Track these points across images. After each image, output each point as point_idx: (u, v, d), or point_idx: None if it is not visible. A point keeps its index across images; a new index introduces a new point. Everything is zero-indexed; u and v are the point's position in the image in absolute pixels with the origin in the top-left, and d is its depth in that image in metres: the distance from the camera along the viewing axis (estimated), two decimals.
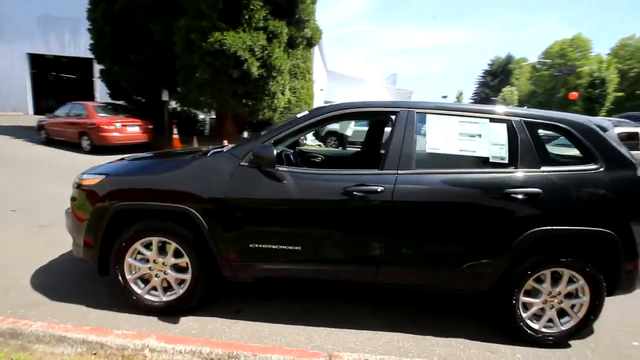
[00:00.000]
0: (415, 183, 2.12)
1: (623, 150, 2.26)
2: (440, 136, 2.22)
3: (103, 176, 2.29)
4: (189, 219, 2.16)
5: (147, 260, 2.29)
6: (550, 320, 2.24)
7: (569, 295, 2.22)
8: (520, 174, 2.15)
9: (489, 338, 2.28)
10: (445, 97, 49.11)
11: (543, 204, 2.09)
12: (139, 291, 2.31)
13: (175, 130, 10.71)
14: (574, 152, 2.46)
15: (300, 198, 2.13)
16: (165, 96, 11.66)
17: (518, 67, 53.69)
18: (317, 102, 16.74)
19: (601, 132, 2.26)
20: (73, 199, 2.46)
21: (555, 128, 2.27)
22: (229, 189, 2.13)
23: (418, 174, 2.14)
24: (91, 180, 2.32)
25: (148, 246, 2.26)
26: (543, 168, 2.16)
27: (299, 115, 2.34)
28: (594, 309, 2.19)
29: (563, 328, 2.24)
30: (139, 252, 2.29)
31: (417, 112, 2.24)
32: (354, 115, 2.40)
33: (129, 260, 2.28)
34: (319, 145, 14.37)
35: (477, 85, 59.26)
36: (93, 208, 2.25)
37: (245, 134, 11.55)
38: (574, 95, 21.13)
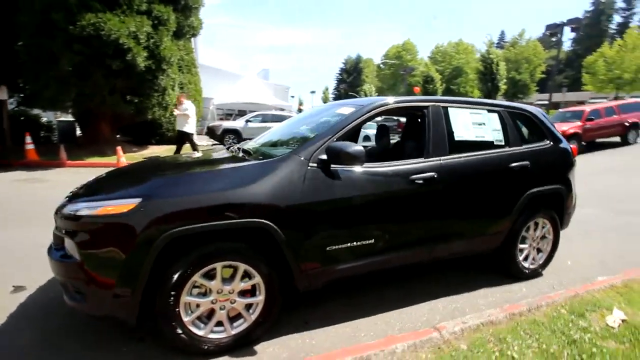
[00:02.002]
0: (454, 167, 2.48)
1: (555, 129, 3.20)
2: (461, 125, 2.64)
3: (138, 200, 1.75)
4: (262, 233, 1.92)
5: (207, 293, 1.91)
6: (533, 258, 3.02)
7: (543, 237, 3.03)
8: (514, 151, 2.79)
9: (501, 282, 2.88)
10: (313, 92, 52.70)
11: (530, 172, 2.78)
12: (200, 333, 1.90)
13: (28, 139, 8.15)
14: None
15: (374, 192, 2.19)
16: (3, 94, 8.64)
17: (366, 67, 62.19)
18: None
19: (545, 118, 3.15)
20: (71, 235, 1.79)
21: (524, 116, 3.02)
22: (303, 194, 1.99)
23: (453, 159, 2.50)
24: (118, 207, 1.73)
25: (208, 276, 1.88)
26: (524, 146, 2.86)
27: (346, 113, 2.34)
28: (555, 244, 3.07)
29: (540, 262, 3.04)
30: (195, 286, 1.88)
31: (441, 106, 2.59)
32: (400, 110, 2.55)
33: (185, 298, 1.84)
34: (217, 144, 13.42)
35: (335, 82, 65.81)
36: (129, 243, 1.71)
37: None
38: (417, 89, 26.27)
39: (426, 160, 2.40)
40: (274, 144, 2.66)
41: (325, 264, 2.11)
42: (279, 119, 14.58)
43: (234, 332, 1.97)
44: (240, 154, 2.43)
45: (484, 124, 2.76)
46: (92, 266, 1.74)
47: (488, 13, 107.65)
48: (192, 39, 13.41)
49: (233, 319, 2.00)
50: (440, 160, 2.43)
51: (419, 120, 2.52)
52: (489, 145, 2.75)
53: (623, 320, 2.23)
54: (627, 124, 11.65)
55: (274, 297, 2.02)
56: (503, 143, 2.79)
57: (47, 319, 2.26)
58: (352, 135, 2.71)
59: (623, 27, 44.38)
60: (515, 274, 2.94)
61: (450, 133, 2.57)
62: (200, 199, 1.80)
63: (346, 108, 2.43)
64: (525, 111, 3.03)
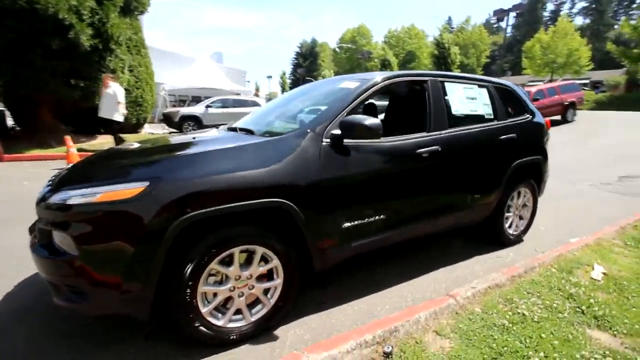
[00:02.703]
0: (454, 140, 2.53)
1: (531, 104, 3.40)
2: (456, 100, 2.70)
3: (145, 183, 1.55)
4: (280, 214, 1.83)
5: (223, 280, 1.79)
6: (517, 225, 3.23)
7: (524, 206, 3.25)
8: (502, 125, 2.92)
9: (490, 250, 3.06)
10: (270, 77, 51.38)
11: (516, 144, 2.94)
12: (219, 323, 1.77)
13: None
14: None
15: (386, 167, 2.17)
16: None
17: (322, 51, 61.77)
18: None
19: (523, 93, 3.33)
20: (63, 227, 1.56)
21: (507, 91, 3.16)
22: (320, 171, 1.91)
23: (453, 132, 2.56)
24: (122, 192, 1.53)
25: (225, 262, 1.76)
26: (509, 120, 3.01)
27: (352, 87, 2.27)
28: (534, 211, 3.31)
29: (522, 228, 3.26)
30: (211, 274, 1.74)
31: (439, 81, 2.61)
32: (402, 83, 2.51)
33: (202, 288, 1.70)
34: (174, 132, 12.60)
35: (292, 67, 64.69)
36: (137, 232, 1.52)
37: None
38: None
39: (429, 134, 2.42)
40: (273, 122, 2.52)
41: (342, 242, 2.07)
42: (241, 104, 14.04)
43: (253, 318, 1.87)
44: (241, 133, 2.28)
45: (475, 98, 2.85)
46: (95, 261, 1.53)
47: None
48: (140, 17, 12.27)
49: (251, 305, 1.90)
50: (441, 134, 2.47)
51: (418, 94, 2.52)
52: (481, 119, 2.84)
53: (604, 274, 2.48)
54: (566, 103, 12.87)
55: (292, 280, 1.94)
56: (492, 117, 2.91)
57: (40, 321, 1.98)
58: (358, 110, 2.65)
59: (555, 14, 48.49)
60: (501, 241, 3.13)
61: (448, 107, 2.62)
62: (217, 180, 1.64)
63: (350, 82, 2.36)
64: (508, 87, 3.18)
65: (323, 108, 2.18)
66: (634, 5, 39.68)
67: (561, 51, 29.78)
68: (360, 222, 2.10)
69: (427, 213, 2.45)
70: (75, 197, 1.57)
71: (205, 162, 1.71)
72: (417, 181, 2.35)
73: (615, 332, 1.83)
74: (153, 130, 13.37)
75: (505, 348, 1.72)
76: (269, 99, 22.20)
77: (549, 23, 45.58)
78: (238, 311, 1.85)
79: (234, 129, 2.49)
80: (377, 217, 2.17)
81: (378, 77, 2.31)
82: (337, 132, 1.98)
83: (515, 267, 2.51)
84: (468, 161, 2.63)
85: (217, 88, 21.50)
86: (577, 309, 2.04)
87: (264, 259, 1.86)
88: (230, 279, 1.78)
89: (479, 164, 2.72)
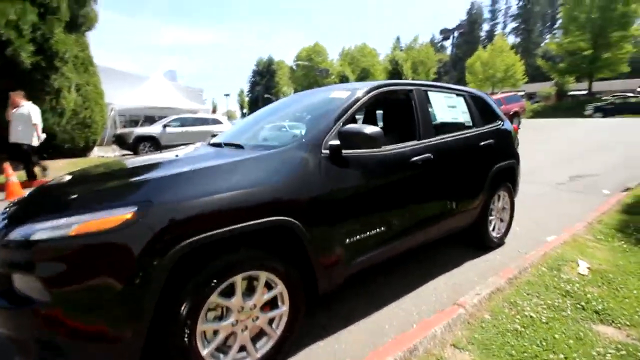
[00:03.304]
0: (443, 147, 2.56)
1: (500, 111, 3.59)
2: (439, 108, 2.75)
3: (133, 208, 1.32)
4: (284, 233, 1.68)
5: (224, 315, 1.58)
6: (499, 228, 3.32)
7: (503, 208, 3.36)
8: (481, 131, 3.02)
9: (476, 254, 3.09)
10: (227, 95, 50.59)
11: (494, 150, 3.05)
12: None
13: None
14: None
15: (384, 177, 2.11)
16: None
17: (279, 69, 62.35)
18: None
19: (493, 101, 3.50)
20: (27, 269, 1.29)
21: (480, 99, 3.30)
22: (322, 184, 1.80)
23: (441, 140, 2.58)
24: (104, 221, 1.29)
25: (225, 293, 1.55)
26: (485, 126, 3.13)
27: (344, 96, 2.20)
28: (512, 213, 3.44)
29: (503, 231, 3.35)
30: (210, 309, 1.53)
31: (422, 90, 2.65)
32: (390, 93, 2.48)
33: (202, 327, 1.48)
34: (129, 154, 11.75)
35: (249, 85, 64.39)
36: (126, 268, 1.29)
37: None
38: None
39: (420, 142, 2.42)
40: (262, 135, 2.37)
41: (347, 259, 1.95)
42: (202, 122, 13.53)
43: (259, 354, 1.67)
44: (228, 148, 2.10)
45: (455, 106, 2.93)
46: (73, 307, 1.26)
47: (383, 20, 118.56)
48: (87, 34, 11.50)
49: (255, 338, 1.69)
50: (430, 141, 2.48)
51: (406, 103, 2.53)
52: (461, 126, 2.92)
53: (588, 268, 2.60)
54: (511, 113, 14.06)
55: (299, 306, 1.78)
56: (471, 124, 3.01)
57: None
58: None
59: (490, 34, 53.58)
60: (487, 245, 3.19)
61: (433, 115, 2.66)
62: (218, 199, 1.46)
63: (341, 92, 2.30)
64: (480, 95, 3.33)
65: (317, 119, 2.09)
66: (556, 26, 45.15)
67: (499, 67, 32.82)
68: (363, 236, 2.00)
69: (423, 222, 2.42)
70: (43, 231, 1.30)
71: (202, 181, 1.52)
72: (413, 190, 2.32)
73: (619, 325, 1.88)
74: (103, 153, 12.39)
75: (525, 354, 1.69)
76: (228, 118, 21.75)
77: (485, 42, 50.22)
78: (242, 347, 1.64)
79: (217, 145, 2.30)
80: (378, 229, 2.09)
81: (368, 86, 2.27)
82: (336, 142, 1.89)
83: (510, 270, 2.54)
84: (456, 167, 2.67)
85: (172, 107, 20.63)
86: (578, 306, 2.09)
87: (268, 285, 1.69)
88: (232, 312, 1.57)
89: (466, 169, 2.77)
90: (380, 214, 2.10)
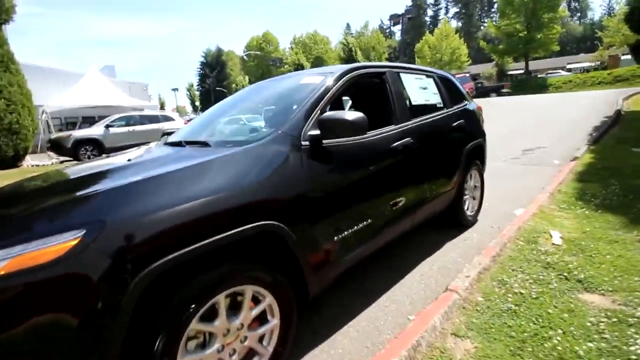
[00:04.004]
0: (421, 130, 2.47)
1: (465, 91, 3.61)
2: (412, 90, 2.66)
3: (80, 231, 1.04)
4: (269, 238, 1.48)
5: (207, 341, 1.35)
6: (472, 207, 3.36)
7: (475, 187, 3.40)
8: (452, 112, 2.99)
9: (455, 235, 3.10)
10: (176, 89, 47.75)
11: (465, 130, 3.05)
12: None
13: None
14: None
15: (369, 166, 1.97)
16: None
17: (230, 59, 59.93)
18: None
19: (458, 82, 3.50)
20: None
21: (447, 79, 3.27)
22: (305, 180, 1.62)
23: (418, 123, 2.50)
24: (46, 251, 0.99)
25: (207, 317, 1.33)
26: (455, 107, 3.11)
27: (317, 81, 2.00)
28: (483, 191, 3.50)
29: (475, 208, 3.41)
30: (190, 337, 1.30)
31: (395, 72, 2.53)
32: (365, 75, 2.30)
33: None
34: (68, 160, 10.57)
35: (199, 77, 61.24)
36: (80, 304, 1.02)
37: None
38: None
39: (398, 127, 2.31)
40: (229, 130, 2.11)
41: (336, 258, 1.80)
42: (150, 120, 12.55)
43: None
44: (191, 147, 1.83)
45: (426, 88, 2.86)
46: (17, 355, 0.98)
47: (331, 7, 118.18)
48: (3, 27, 10.02)
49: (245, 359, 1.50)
50: (408, 125, 2.38)
51: (380, 86, 2.39)
52: (434, 107, 2.86)
53: (561, 238, 2.70)
54: None
55: (290, 317, 1.60)
56: (442, 105, 2.96)
57: None
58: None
59: (435, 19, 55.64)
60: (462, 223, 3.22)
61: (408, 98, 2.56)
62: (188, 210, 1.22)
63: (313, 77, 2.10)
64: (447, 76, 3.30)
65: (292, 108, 1.88)
66: (493, 9, 47.92)
67: (446, 50, 34.26)
68: (352, 230, 1.86)
69: (409, 208, 2.34)
70: None
71: (165, 189, 1.26)
72: (397, 176, 2.21)
73: (603, 292, 1.94)
74: (38, 162, 11.05)
75: (525, 334, 1.67)
76: (178, 114, 20.42)
77: (430, 27, 52.12)
78: None
79: (177, 144, 2.01)
80: (366, 221, 1.95)
81: (342, 69, 2.10)
82: (316, 132, 1.71)
83: (491, 247, 2.56)
84: (435, 150, 2.62)
85: (113, 105, 18.91)
86: (561, 277, 2.13)
87: (255, 299, 1.48)
88: (216, 336, 1.35)
89: (443, 151, 2.73)
90: (367, 205, 1.97)
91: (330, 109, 3.24)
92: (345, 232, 1.82)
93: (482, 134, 3.41)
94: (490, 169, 5.38)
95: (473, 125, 3.25)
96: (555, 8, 27.44)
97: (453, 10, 64.11)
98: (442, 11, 64.39)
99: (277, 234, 1.46)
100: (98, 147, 11.01)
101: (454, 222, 3.21)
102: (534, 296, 1.96)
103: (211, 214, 1.26)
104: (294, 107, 1.84)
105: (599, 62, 30.41)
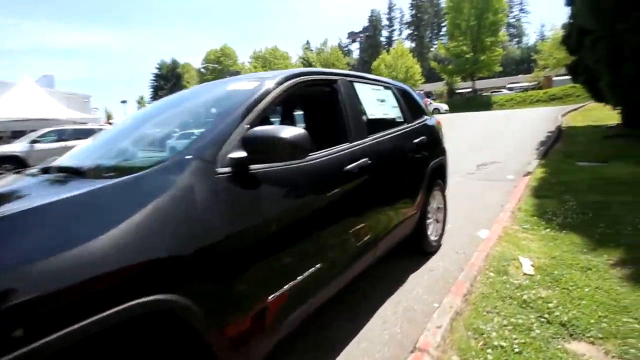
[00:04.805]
0: (380, 148, 2.12)
1: (424, 105, 3.37)
2: (369, 102, 2.31)
3: None
4: (158, 318, 0.97)
5: None
6: (436, 230, 3.06)
7: (438, 209, 3.13)
8: (413, 127, 2.70)
9: (417, 265, 2.73)
10: (124, 102, 44.79)
11: (427, 147, 2.76)
12: None
13: None
14: None
15: (314, 194, 1.55)
16: None
17: (186, 72, 57.93)
18: None
19: (416, 94, 3.26)
20: None
21: (406, 92, 2.99)
22: (223, 221, 1.15)
23: (376, 139, 2.14)
24: None
25: None
26: (415, 122, 2.83)
27: (250, 87, 1.56)
28: (446, 212, 3.24)
29: (439, 232, 3.12)
30: None
31: (348, 81, 2.17)
32: (311, 83, 1.89)
33: None
34: None
35: (152, 90, 58.33)
36: None
37: None
38: None
39: (352, 145, 1.92)
40: (123, 152, 1.58)
41: (272, 321, 1.32)
42: (87, 134, 11.25)
43: None
44: (59, 176, 1.28)
45: (384, 100, 2.54)
46: None
47: (291, 24, 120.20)
48: None
49: None
50: (365, 143, 2.01)
51: (330, 97, 2.01)
52: (393, 122, 2.55)
53: (532, 266, 2.45)
54: None
55: None
56: (402, 120, 2.66)
57: None
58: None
59: (390, 39, 58.38)
60: (426, 250, 2.91)
61: (364, 111, 2.20)
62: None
63: (245, 82, 1.65)
64: (405, 88, 3.04)
65: (208, 122, 1.41)
66: (442, 32, 51.37)
67: (401, 69, 35.74)
68: (294, 282, 1.40)
69: (367, 243, 1.94)
70: None
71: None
72: (352, 206, 1.81)
73: (592, 339, 1.65)
74: None
75: None
76: None
77: (386, 46, 54.53)
78: None
79: (46, 171, 1.44)
80: (314, 268, 1.51)
81: (282, 75, 1.67)
82: (241, 154, 1.26)
83: (461, 283, 2.23)
84: (395, 171, 2.28)
85: (49, 118, 16.97)
86: (542, 319, 1.83)
87: None
88: None
89: (404, 172, 2.40)
90: (316, 246, 1.54)
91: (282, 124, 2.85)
92: (286, 286, 1.36)
93: (444, 151, 3.17)
94: (448, 185, 5.28)
95: (434, 142, 2.99)
96: (497, 32, 29.85)
97: (406, 32, 67.96)
98: (397, 32, 68.01)
99: (169, 313, 0.96)
100: (21, 166, 9.59)
101: (417, 249, 2.88)
102: (517, 350, 1.62)
103: (36, 297, 0.74)
104: (212, 121, 1.38)
105: (535, 82, 33.39)
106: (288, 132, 1.22)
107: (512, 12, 56.87)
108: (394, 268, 2.71)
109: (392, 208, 2.21)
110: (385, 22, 68.82)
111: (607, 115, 11.72)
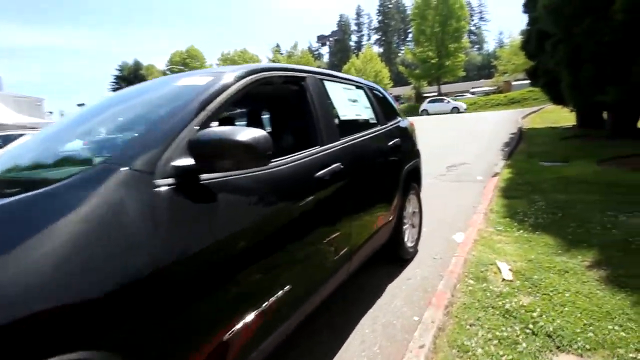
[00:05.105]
0: (353, 152, 1.95)
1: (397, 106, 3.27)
2: (341, 103, 2.14)
3: None
4: None
5: None
6: (412, 236, 2.95)
7: (414, 213, 3.01)
8: (386, 129, 2.56)
9: (395, 274, 2.58)
10: (82, 104, 42.18)
11: (401, 149, 2.64)
12: None
13: None
14: None
15: (280, 207, 1.34)
16: None
17: (150, 74, 55.56)
18: None
19: (389, 95, 3.14)
20: None
21: (378, 92, 2.86)
22: (163, 246, 0.91)
23: (349, 142, 1.97)
24: None
25: None
26: (389, 124, 2.70)
27: (202, 83, 1.33)
28: (421, 216, 3.14)
29: (415, 237, 3.01)
30: None
31: (318, 79, 1.98)
32: (276, 79, 1.67)
33: None
34: None
35: (112, 91, 55.48)
36: None
37: None
38: None
39: (324, 148, 1.74)
40: (27, 163, 1.28)
41: None
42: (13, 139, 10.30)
43: None
44: None
45: (357, 100, 2.38)
46: None
47: (261, 26, 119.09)
48: None
49: None
50: (337, 146, 1.83)
51: (298, 96, 1.82)
52: (367, 124, 2.39)
53: (510, 270, 2.38)
54: None
55: None
56: (376, 121, 2.52)
57: None
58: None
59: (359, 44, 59.35)
60: (402, 257, 2.77)
61: (335, 112, 2.03)
62: None
63: (198, 77, 1.41)
64: (377, 88, 2.91)
65: (148, 123, 1.17)
66: (409, 38, 52.97)
67: (370, 73, 36.33)
68: (255, 313, 1.18)
69: (342, 257, 1.76)
70: None
71: None
72: (324, 217, 1.62)
73: (580, 351, 1.56)
74: None
75: None
76: None
77: (355, 51, 55.36)
78: None
79: None
80: (279, 293, 1.30)
81: (242, 69, 1.45)
82: (187, 162, 1.03)
83: (441, 293, 2.10)
84: (370, 175, 2.12)
85: None
86: (527, 331, 1.73)
87: None
88: None
89: (380, 176, 2.25)
90: (281, 269, 1.32)
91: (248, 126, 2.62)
92: (248, 318, 1.15)
93: (418, 154, 3.08)
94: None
95: (409, 144, 2.89)
96: (460, 39, 31.20)
97: (374, 37, 69.41)
98: (365, 37, 69.35)
99: None
100: None
101: (393, 256, 2.74)
102: None
103: None
104: (153, 121, 1.13)
105: (496, 87, 35.18)
106: (245, 134, 1.01)
107: (472, 20, 59.80)
108: (371, 277, 2.56)
109: (368, 216, 2.05)
110: (354, 27, 70.02)
111: (563, 117, 12.46)
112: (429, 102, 26.31)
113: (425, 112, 24.84)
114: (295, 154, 1.54)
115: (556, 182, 4.68)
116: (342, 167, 1.72)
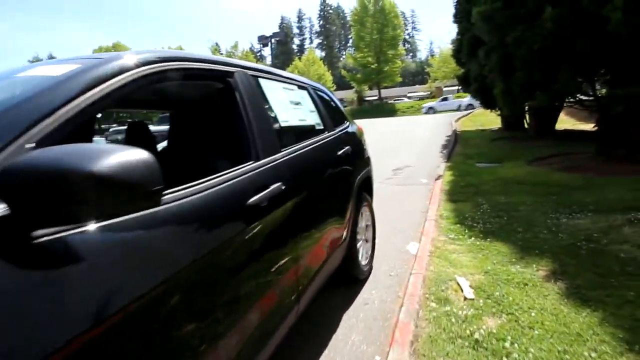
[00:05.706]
0: (298, 165, 1.59)
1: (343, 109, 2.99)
2: (280, 105, 1.76)
3: None
4: None
5: None
6: (366, 252, 2.67)
7: (367, 227, 2.74)
8: (335, 136, 2.24)
9: (349, 296, 2.31)
10: None
11: (352, 158, 2.35)
12: None
13: None
14: None
15: (199, 254, 0.91)
16: None
17: None
18: None
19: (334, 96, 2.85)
20: None
21: (323, 93, 2.54)
22: None
23: (292, 154, 1.60)
24: None
25: None
26: (337, 130, 2.39)
27: (56, 73, 0.85)
28: (375, 230, 2.89)
29: (369, 254, 2.74)
30: None
31: (250, 75, 1.58)
32: (186, 74, 1.20)
33: None
34: None
35: None
36: None
37: None
38: None
39: (259, 164, 1.34)
40: None
41: None
42: None
43: None
44: None
45: (300, 103, 2.02)
46: None
47: (198, 23, 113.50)
48: None
49: None
50: (276, 160, 1.45)
51: (223, 98, 1.39)
52: (312, 130, 2.05)
53: (470, 287, 2.21)
54: None
55: None
56: (323, 127, 2.19)
57: None
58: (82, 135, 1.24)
59: (301, 47, 59.48)
60: (357, 277, 2.49)
61: (274, 117, 1.64)
62: None
63: (56, 66, 0.93)
64: (322, 89, 2.59)
65: None
66: (349, 44, 54.51)
67: (312, 76, 36.49)
68: None
69: (288, 302, 1.38)
70: None
71: None
72: (260, 261, 1.21)
73: None
74: None
75: None
76: None
77: (298, 54, 55.41)
78: None
79: None
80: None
81: (132, 56, 1.00)
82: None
83: (404, 325, 1.83)
84: (318, 193, 1.77)
85: None
86: None
87: None
88: None
89: (329, 192, 1.92)
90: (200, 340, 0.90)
91: (174, 137, 2.09)
92: None
93: (369, 162, 2.82)
94: None
95: (360, 152, 2.61)
96: (396, 46, 32.84)
97: (317, 41, 70.23)
98: (307, 41, 69.88)
99: None
100: None
101: (347, 278, 2.44)
102: None
103: None
104: None
105: (429, 92, 37.72)
106: (106, 159, 0.58)
107: (407, 29, 63.68)
108: (322, 306, 2.22)
109: (318, 244, 1.70)
110: (296, 30, 70.12)
111: (490, 120, 13.55)
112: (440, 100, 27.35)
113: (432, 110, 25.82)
114: (219, 175, 1.13)
115: (494, 184, 4.83)
116: (283, 187, 1.35)
